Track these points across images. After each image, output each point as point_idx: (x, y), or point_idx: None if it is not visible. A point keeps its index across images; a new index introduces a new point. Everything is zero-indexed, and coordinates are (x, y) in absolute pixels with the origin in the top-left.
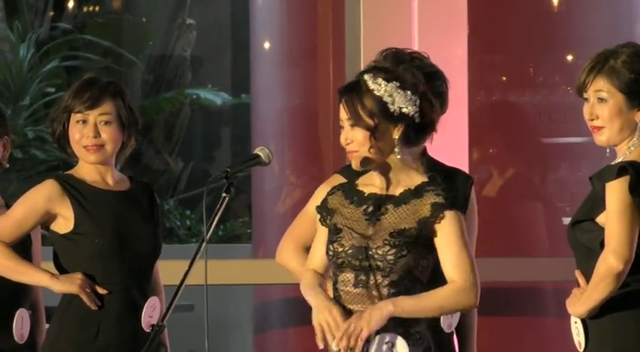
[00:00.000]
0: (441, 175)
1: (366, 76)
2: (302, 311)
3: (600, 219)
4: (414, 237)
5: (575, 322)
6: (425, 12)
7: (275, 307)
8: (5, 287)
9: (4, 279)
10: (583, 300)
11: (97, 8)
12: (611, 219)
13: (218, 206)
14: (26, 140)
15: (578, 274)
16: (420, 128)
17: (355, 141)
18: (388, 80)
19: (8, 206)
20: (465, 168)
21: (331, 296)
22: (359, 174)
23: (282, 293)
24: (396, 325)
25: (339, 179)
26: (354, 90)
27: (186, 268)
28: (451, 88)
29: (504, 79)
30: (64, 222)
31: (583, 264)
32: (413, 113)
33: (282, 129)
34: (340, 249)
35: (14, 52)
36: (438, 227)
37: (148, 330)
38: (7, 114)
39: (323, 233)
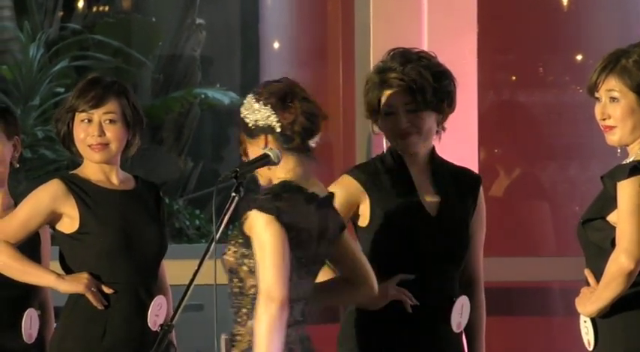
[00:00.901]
0: (447, 174)
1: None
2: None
3: (611, 218)
4: (235, 236)
5: (585, 321)
6: (434, 12)
7: None
8: (14, 287)
9: (13, 279)
10: (593, 299)
11: (106, 8)
12: (623, 218)
13: (227, 205)
14: (36, 140)
15: (587, 273)
16: (285, 137)
17: None
18: (251, 96)
19: (17, 205)
20: (474, 167)
21: None
22: (368, 174)
23: None
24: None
25: (347, 180)
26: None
27: (196, 268)
28: (461, 88)
29: (514, 78)
30: (70, 222)
31: (593, 262)
32: (269, 124)
33: None
34: None
35: (24, 52)
36: (247, 228)
37: (155, 329)
38: (17, 114)
39: None
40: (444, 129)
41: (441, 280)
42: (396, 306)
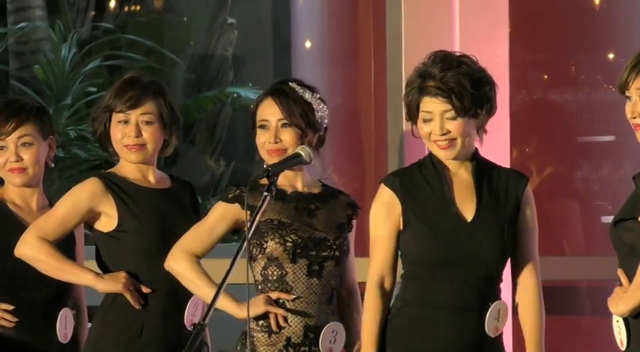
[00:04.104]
0: (490, 178)
1: (292, 85)
2: None
3: None
4: None
5: (617, 320)
6: (466, 11)
7: None
8: (49, 287)
9: (48, 279)
10: (626, 299)
11: (138, 8)
12: None
13: (259, 205)
14: (68, 139)
15: (620, 273)
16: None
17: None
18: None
19: (52, 205)
20: (506, 166)
21: None
22: (404, 180)
23: None
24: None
25: (383, 191)
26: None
27: (228, 267)
28: None
29: (546, 77)
30: (108, 220)
31: (625, 262)
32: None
33: None
34: None
35: (56, 51)
36: None
37: (191, 329)
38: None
39: None
40: (485, 131)
41: (476, 285)
42: (429, 309)
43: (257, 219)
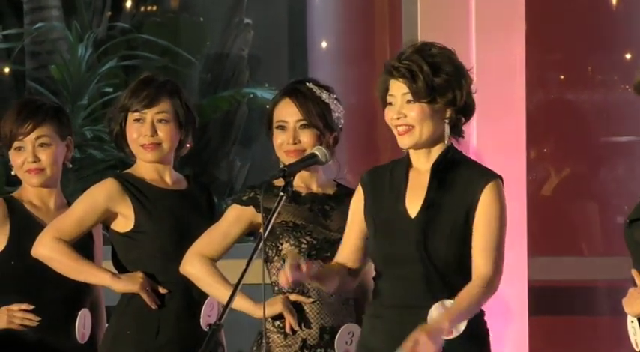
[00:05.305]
0: (452, 174)
1: (309, 85)
2: None
3: None
4: None
5: (632, 321)
6: (482, 11)
7: None
8: (67, 288)
9: (66, 280)
10: None
11: (154, 8)
12: None
13: (275, 205)
14: (84, 140)
15: (635, 273)
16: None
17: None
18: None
19: (70, 205)
20: (522, 166)
21: None
22: (374, 176)
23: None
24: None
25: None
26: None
27: (244, 267)
28: (509, 87)
29: (562, 77)
30: (124, 221)
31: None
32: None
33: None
34: None
35: (72, 51)
36: None
37: (207, 329)
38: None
39: None
40: (462, 132)
41: (419, 283)
42: (378, 306)
43: (273, 219)
